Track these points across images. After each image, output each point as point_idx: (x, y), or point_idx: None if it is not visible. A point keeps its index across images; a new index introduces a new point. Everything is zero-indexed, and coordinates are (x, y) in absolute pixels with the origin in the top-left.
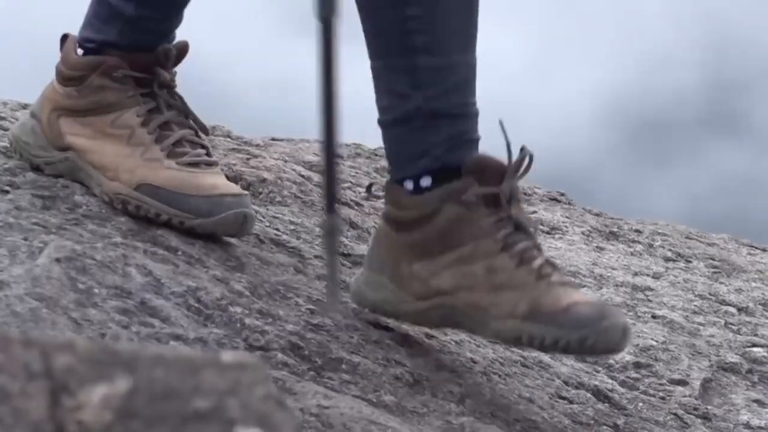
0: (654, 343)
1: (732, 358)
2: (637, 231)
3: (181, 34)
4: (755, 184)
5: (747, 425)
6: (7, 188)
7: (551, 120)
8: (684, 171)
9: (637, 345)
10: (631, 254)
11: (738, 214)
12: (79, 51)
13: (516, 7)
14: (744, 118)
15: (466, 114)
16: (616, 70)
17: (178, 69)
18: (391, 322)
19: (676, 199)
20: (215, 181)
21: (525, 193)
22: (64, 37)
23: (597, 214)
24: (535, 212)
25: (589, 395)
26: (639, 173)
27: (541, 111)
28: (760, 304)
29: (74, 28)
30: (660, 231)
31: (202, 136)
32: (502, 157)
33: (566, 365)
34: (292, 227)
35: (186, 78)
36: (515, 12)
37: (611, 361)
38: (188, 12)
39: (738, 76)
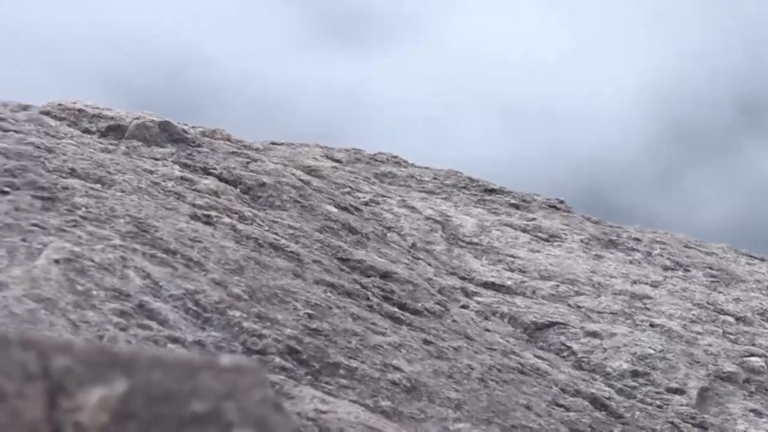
0: (651, 351)
1: (729, 367)
2: (636, 239)
3: (204, 47)
4: None
5: None
6: (7, 189)
7: (588, 114)
8: (724, 169)
9: (635, 353)
10: (630, 262)
11: None
12: None
13: (556, 1)
14: None
15: None
16: (655, 68)
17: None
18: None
19: (718, 197)
20: None
21: (524, 200)
22: None
23: (596, 222)
24: (534, 219)
25: (586, 403)
26: (676, 170)
27: (578, 105)
28: (758, 313)
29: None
30: (659, 239)
31: None
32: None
33: (564, 373)
34: (290, 231)
35: (217, 90)
36: (555, 6)
37: (609, 370)
38: (210, 26)
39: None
